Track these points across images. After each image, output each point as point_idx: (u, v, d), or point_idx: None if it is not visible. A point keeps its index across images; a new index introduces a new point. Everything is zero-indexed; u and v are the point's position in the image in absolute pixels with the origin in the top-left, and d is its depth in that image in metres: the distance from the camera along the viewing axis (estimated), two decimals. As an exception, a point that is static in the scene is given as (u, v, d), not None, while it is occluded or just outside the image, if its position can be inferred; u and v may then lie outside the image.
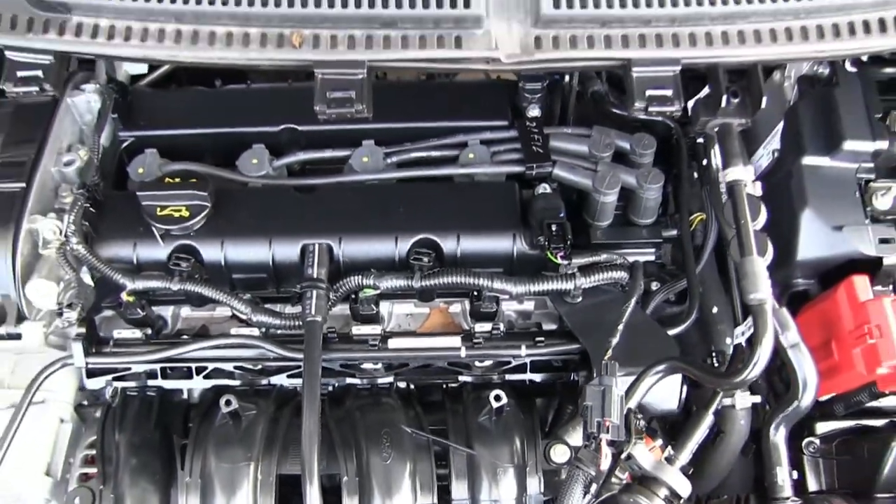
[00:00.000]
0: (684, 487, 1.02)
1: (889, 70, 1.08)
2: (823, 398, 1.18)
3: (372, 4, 0.92)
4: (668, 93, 0.93)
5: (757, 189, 1.05)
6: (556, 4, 0.92)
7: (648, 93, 0.93)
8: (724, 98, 1.08)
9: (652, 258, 1.23)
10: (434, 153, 1.26)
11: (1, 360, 1.13)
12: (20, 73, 0.94)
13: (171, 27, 0.93)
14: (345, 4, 0.92)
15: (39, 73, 0.94)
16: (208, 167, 1.23)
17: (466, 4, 0.92)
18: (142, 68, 1.35)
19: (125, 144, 1.27)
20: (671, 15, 0.93)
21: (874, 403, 1.17)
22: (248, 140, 1.26)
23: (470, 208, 1.19)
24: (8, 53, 0.95)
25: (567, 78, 1.29)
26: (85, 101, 1.26)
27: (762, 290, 0.96)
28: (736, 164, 1.05)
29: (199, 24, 0.93)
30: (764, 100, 1.08)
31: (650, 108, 0.93)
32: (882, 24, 0.96)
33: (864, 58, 1.09)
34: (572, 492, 0.98)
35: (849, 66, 1.14)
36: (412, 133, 1.27)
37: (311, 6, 0.92)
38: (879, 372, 1.06)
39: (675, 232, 1.22)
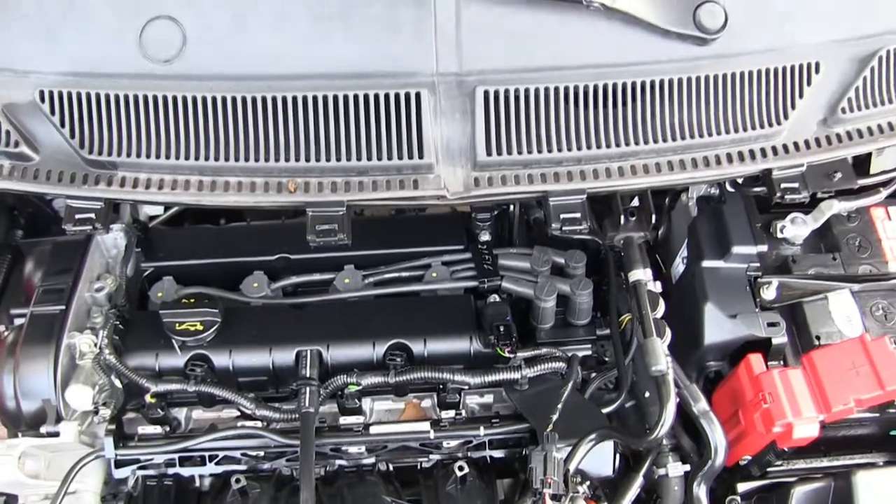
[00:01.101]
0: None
1: (757, 189, 1.36)
2: (742, 461, 1.40)
3: (349, 158, 1.21)
4: (578, 215, 1.21)
5: (657, 287, 1.32)
6: (489, 153, 1.21)
7: (562, 216, 1.21)
8: (623, 217, 1.37)
9: (589, 353, 1.47)
10: (404, 274, 1.52)
11: (38, 455, 1.33)
12: (77, 216, 1.20)
13: (195, 178, 1.20)
14: (328, 158, 1.20)
15: (92, 215, 1.20)
16: (217, 291, 1.49)
17: (421, 156, 1.21)
18: (158, 209, 1.63)
19: (146, 273, 1.53)
20: (577, 157, 1.22)
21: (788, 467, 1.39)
22: (249, 268, 1.51)
23: (434, 317, 1.44)
24: (68, 201, 1.22)
25: (511, 207, 1.58)
26: (112, 239, 1.51)
27: (662, 364, 1.21)
28: (637, 268, 1.33)
29: (217, 175, 1.20)
30: (693, 212, 1.34)
31: (563, 228, 1.21)
32: (740, 156, 1.26)
33: (739, 180, 1.38)
34: None
35: (728, 188, 1.43)
36: (385, 258, 1.54)
37: (302, 160, 1.20)
38: (775, 430, 1.27)
39: (607, 331, 1.47)
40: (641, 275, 1.33)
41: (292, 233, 1.53)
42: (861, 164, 1.48)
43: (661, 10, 1.21)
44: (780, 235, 1.46)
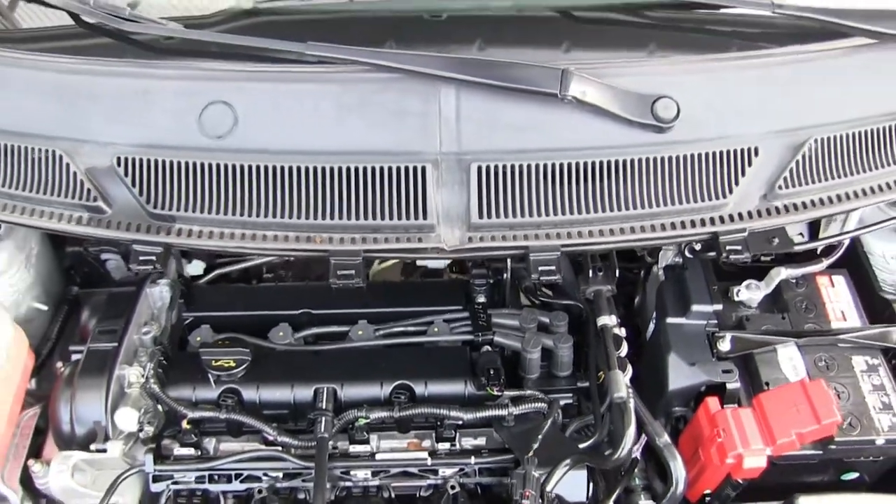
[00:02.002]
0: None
1: (710, 254, 1.59)
2: (706, 493, 1.57)
3: (365, 218, 1.45)
4: (553, 268, 1.43)
5: (622, 332, 1.54)
6: (481, 216, 1.45)
7: (540, 268, 1.43)
8: (591, 272, 1.61)
9: (570, 401, 1.67)
10: (410, 328, 1.75)
11: (86, 471, 1.52)
12: (140, 258, 1.44)
13: (238, 231, 1.45)
14: (349, 218, 1.45)
15: (153, 258, 1.45)
16: (248, 337, 1.71)
17: (424, 218, 1.45)
18: (199, 270, 1.88)
19: (187, 321, 1.76)
20: (554, 221, 1.45)
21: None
22: (276, 320, 1.73)
23: (434, 363, 1.65)
24: (134, 246, 1.46)
25: (505, 275, 1.82)
26: (158, 292, 1.75)
27: (622, 391, 1.41)
28: (604, 314, 1.56)
29: (257, 229, 1.45)
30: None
31: (542, 278, 1.44)
32: (692, 223, 1.48)
33: (697, 247, 1.62)
34: None
35: (687, 254, 1.66)
36: (394, 315, 1.76)
37: (327, 219, 1.44)
38: (728, 462, 1.45)
39: (587, 383, 1.67)
40: (608, 320, 1.56)
41: (314, 293, 1.81)
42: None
43: (625, 103, 1.47)
44: (737, 299, 1.68)
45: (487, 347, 1.68)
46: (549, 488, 1.40)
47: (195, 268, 1.89)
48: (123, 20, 1.54)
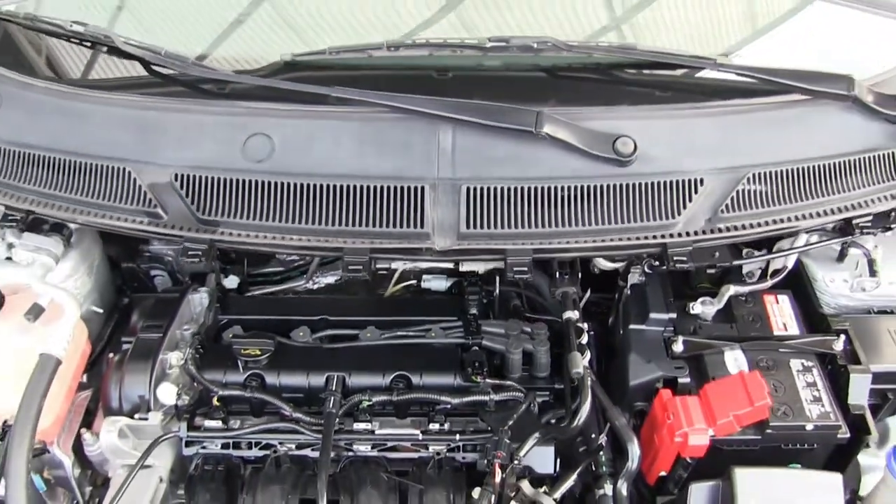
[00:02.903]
0: (551, 504, 1.62)
1: (660, 265, 1.86)
2: (662, 475, 1.79)
3: (374, 225, 1.76)
4: (525, 268, 1.71)
5: (584, 325, 1.82)
6: (468, 227, 1.74)
7: (514, 268, 1.72)
8: (559, 276, 1.92)
9: (547, 398, 1.92)
10: (410, 333, 2.04)
11: (128, 437, 1.78)
12: (190, 252, 1.77)
13: (270, 234, 1.77)
14: (360, 225, 1.76)
15: (200, 253, 1.77)
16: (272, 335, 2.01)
17: (422, 227, 1.75)
18: (234, 283, 2.20)
19: (221, 322, 2.07)
20: (529, 232, 1.72)
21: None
22: (297, 324, 2.03)
23: (429, 359, 1.92)
24: (185, 243, 1.78)
25: (496, 291, 2.11)
26: (199, 298, 2.07)
27: (580, 367, 1.67)
28: (569, 309, 1.84)
29: (286, 233, 1.76)
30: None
31: (516, 276, 1.73)
32: (646, 237, 1.76)
33: (655, 263, 1.90)
34: None
35: (646, 269, 1.95)
36: (398, 323, 2.05)
37: (343, 226, 1.75)
38: (676, 440, 1.68)
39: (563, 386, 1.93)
40: (572, 314, 1.85)
41: (332, 304, 2.11)
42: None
43: (590, 140, 1.78)
44: (693, 312, 1.95)
45: (475, 348, 1.95)
46: (521, 454, 1.66)
47: (231, 282, 2.21)
48: (187, 66, 1.91)
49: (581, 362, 1.70)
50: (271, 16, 2.26)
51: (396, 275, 2.23)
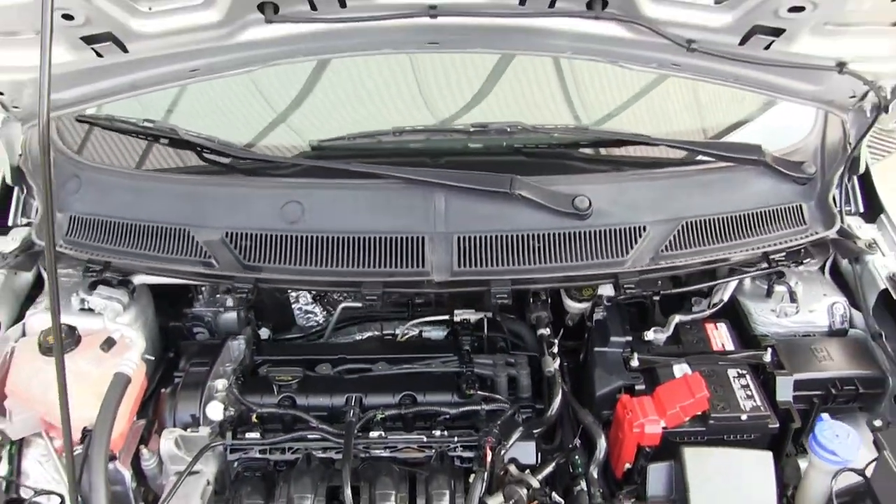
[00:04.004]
0: (535, 483, 1.96)
1: (622, 298, 2.29)
2: (628, 467, 2.15)
3: (384, 267, 2.21)
4: (505, 295, 2.16)
5: (555, 340, 2.23)
6: (459, 267, 2.20)
7: (497, 296, 2.16)
8: (533, 303, 2.35)
9: (529, 414, 2.30)
10: (414, 367, 2.44)
11: (182, 447, 2.16)
12: (237, 291, 2.21)
13: (301, 276, 2.22)
14: (373, 267, 2.22)
15: (247, 291, 2.20)
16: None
17: (422, 268, 2.21)
18: (266, 334, 2.62)
19: (257, 363, 2.47)
20: (506, 269, 2.19)
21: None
22: (321, 362, 2.44)
23: (431, 382, 2.32)
24: (235, 283, 2.23)
25: (485, 329, 2.54)
26: (237, 344, 2.48)
27: (551, 367, 2.07)
28: (542, 327, 2.26)
29: (313, 275, 2.21)
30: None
31: (497, 302, 2.16)
32: (601, 273, 2.23)
33: (612, 294, 2.33)
34: (475, 486, 1.94)
35: (605, 302, 2.37)
36: (405, 360, 2.46)
37: (359, 268, 2.20)
38: (635, 431, 2.06)
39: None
40: (544, 331, 2.27)
41: (349, 346, 2.53)
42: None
43: (554, 199, 2.26)
44: (647, 339, 2.37)
45: (469, 373, 2.35)
46: (508, 443, 2.03)
47: (264, 332, 2.63)
48: (236, 151, 2.42)
49: (552, 364, 2.10)
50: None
51: None
